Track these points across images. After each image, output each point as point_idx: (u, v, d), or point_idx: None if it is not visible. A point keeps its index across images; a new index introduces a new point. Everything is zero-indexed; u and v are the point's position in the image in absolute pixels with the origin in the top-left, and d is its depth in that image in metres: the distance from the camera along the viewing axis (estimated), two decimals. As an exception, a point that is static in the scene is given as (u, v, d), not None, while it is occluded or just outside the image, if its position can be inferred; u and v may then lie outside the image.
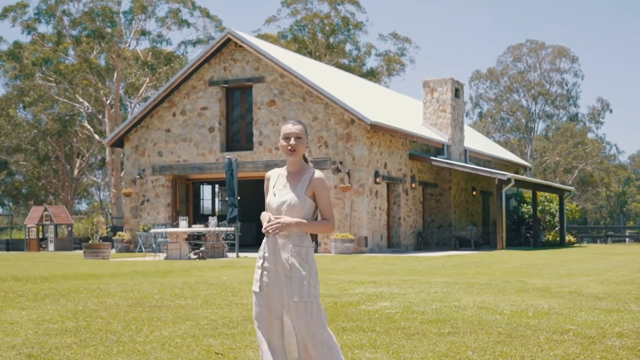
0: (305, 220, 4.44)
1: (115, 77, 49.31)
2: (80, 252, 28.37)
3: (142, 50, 51.35)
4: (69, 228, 31.31)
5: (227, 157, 21.58)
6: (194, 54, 52.59)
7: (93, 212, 68.90)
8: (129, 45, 50.36)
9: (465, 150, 31.09)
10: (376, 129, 23.77)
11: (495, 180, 34.80)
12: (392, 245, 26.17)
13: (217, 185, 31.63)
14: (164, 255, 20.61)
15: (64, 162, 57.98)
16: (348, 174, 23.79)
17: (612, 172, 74.56)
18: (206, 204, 32.26)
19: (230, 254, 21.45)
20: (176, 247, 19.83)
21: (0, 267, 17.47)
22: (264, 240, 4.59)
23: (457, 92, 30.43)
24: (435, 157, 27.92)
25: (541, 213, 34.19)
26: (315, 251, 24.05)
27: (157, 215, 26.59)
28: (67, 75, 49.37)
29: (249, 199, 31.90)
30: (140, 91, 51.14)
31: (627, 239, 51.99)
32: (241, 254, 21.48)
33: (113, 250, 26.11)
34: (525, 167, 40.77)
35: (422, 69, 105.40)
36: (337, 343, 4.55)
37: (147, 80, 50.76)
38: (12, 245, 34.30)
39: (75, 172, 59.32)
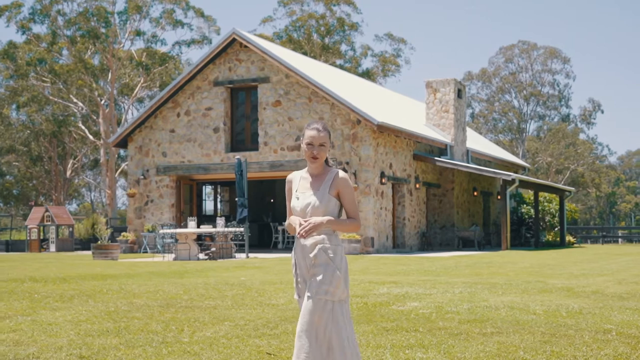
0: (334, 219, 4.44)
1: (109, 77, 49.17)
2: (83, 252, 28.29)
3: (136, 50, 51.26)
4: (70, 229, 31.17)
5: (237, 157, 21.54)
6: (188, 54, 52.84)
7: (86, 212, 68.79)
8: (123, 46, 50.25)
9: (467, 151, 31.15)
10: (382, 129, 23.79)
11: (497, 181, 35.21)
12: (397, 245, 26.19)
13: (219, 186, 31.58)
14: (173, 255, 20.56)
15: (58, 163, 57.80)
16: (354, 174, 23.80)
17: (603, 173, 74.94)
18: (208, 204, 32.21)
19: (239, 255, 21.42)
20: (185, 247, 19.79)
21: (11, 268, 17.39)
22: (294, 246, 4.59)
23: (459, 93, 30.49)
24: (438, 157, 27.97)
25: (541, 213, 34.30)
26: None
27: (162, 216, 26.51)
28: (62, 75, 49.22)
29: (254, 199, 31.90)
30: (135, 91, 51.03)
31: (619, 239, 52.19)
32: (250, 255, 21.44)
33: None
34: (523, 168, 40.89)
35: (415, 70, 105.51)
36: (359, 355, 4.49)
37: (142, 81, 50.66)
38: (12, 246, 34.12)
39: (68, 172, 59.17)
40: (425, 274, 14.61)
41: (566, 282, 12.61)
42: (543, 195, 34.55)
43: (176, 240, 22.65)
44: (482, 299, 10.01)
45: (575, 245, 37.15)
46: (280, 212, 33.24)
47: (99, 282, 12.68)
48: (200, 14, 53.12)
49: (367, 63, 67.56)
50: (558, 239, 34.68)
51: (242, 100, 26.34)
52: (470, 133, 38.55)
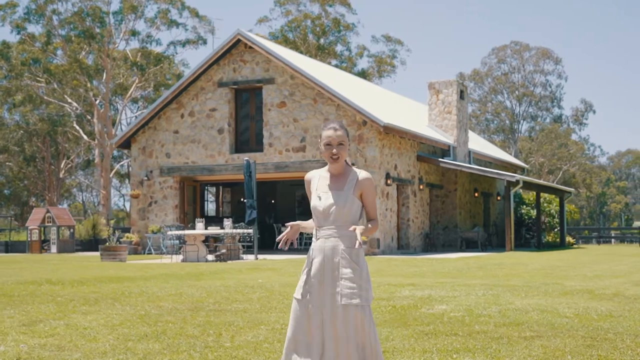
0: (363, 227, 4.40)
1: (104, 77, 49.03)
2: (85, 254, 28.20)
3: (130, 50, 51.15)
4: (71, 230, 31.05)
5: (245, 159, 21.51)
6: (184, 55, 52.67)
7: (78, 212, 68.59)
8: (118, 46, 50.11)
9: (469, 152, 31.21)
10: (388, 130, 23.81)
11: (496, 182, 35.30)
12: (401, 246, 26.22)
13: (221, 187, 31.53)
14: (181, 257, 20.52)
15: (52, 163, 57.62)
16: (360, 175, 23.79)
17: (594, 174, 75.27)
18: (210, 205, 32.14)
19: (246, 256, 21.39)
20: (194, 249, 19.75)
21: (21, 270, 17.31)
22: (312, 246, 4.54)
23: (461, 94, 30.55)
24: (441, 158, 28.01)
25: (536, 214, 34.36)
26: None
27: (165, 217, 26.46)
28: (57, 75, 49.04)
29: (258, 200, 31.83)
30: (130, 92, 50.91)
31: (612, 240, 52.35)
32: (259, 256, 21.41)
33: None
34: (522, 169, 41.00)
35: (408, 70, 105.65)
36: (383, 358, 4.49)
37: (136, 81, 50.53)
38: (12, 247, 33.97)
39: (62, 172, 58.98)
40: (440, 276, 14.62)
41: (583, 284, 12.63)
42: (543, 196, 34.65)
43: (182, 242, 22.60)
44: (507, 301, 10.02)
45: (574, 246, 37.28)
46: (281, 213, 33.23)
47: (117, 284, 12.64)
48: (195, 14, 53.03)
49: (362, 63, 67.90)
50: (558, 239, 34.77)
51: (247, 101, 26.31)
52: (469, 134, 38.62)
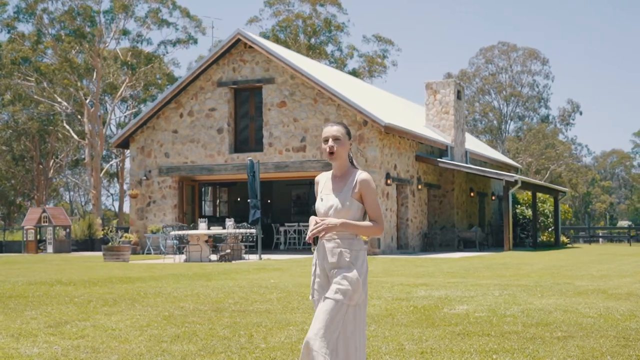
0: (351, 221, 4.34)
1: (95, 76, 48.81)
2: (82, 254, 28.07)
3: (121, 49, 50.98)
4: (67, 230, 30.89)
5: (249, 158, 21.46)
6: (174, 54, 52.46)
7: (65, 212, 68.09)
8: (108, 45, 49.93)
9: (466, 152, 31.29)
10: (389, 130, 23.83)
11: (491, 182, 35.42)
12: (400, 246, 26.25)
13: (217, 187, 31.45)
14: (184, 257, 20.46)
15: (41, 162, 57.32)
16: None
17: (581, 173, 75.68)
18: (206, 205, 32.05)
19: (249, 256, 21.35)
20: (197, 249, 19.70)
21: (26, 270, 17.22)
22: (317, 247, 4.52)
23: (459, 94, 30.61)
24: (438, 158, 28.07)
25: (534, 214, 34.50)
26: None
27: (164, 217, 26.37)
28: (48, 74, 48.78)
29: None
30: (120, 91, 50.71)
31: (600, 239, 52.62)
32: (263, 256, 21.37)
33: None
34: (515, 168, 41.13)
35: (395, 70, 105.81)
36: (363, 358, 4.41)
37: (127, 80, 50.35)
38: (6, 247, 33.77)
39: (51, 172, 58.66)
40: (450, 276, 14.64)
41: (594, 284, 12.69)
42: (537, 195, 34.77)
43: (181, 242, 22.53)
44: (526, 301, 10.04)
45: (568, 245, 37.45)
46: (277, 213, 33.20)
47: (130, 285, 12.58)
48: (186, 13, 52.92)
49: (353, 63, 68.06)
50: (552, 239, 34.90)
51: (247, 101, 26.26)
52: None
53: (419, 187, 27.42)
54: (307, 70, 24.71)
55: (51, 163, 58.26)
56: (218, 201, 32.23)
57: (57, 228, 30.45)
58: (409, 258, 21.58)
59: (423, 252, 26.64)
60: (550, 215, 35.33)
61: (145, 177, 26.65)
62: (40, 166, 57.38)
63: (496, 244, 34.28)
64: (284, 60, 24.79)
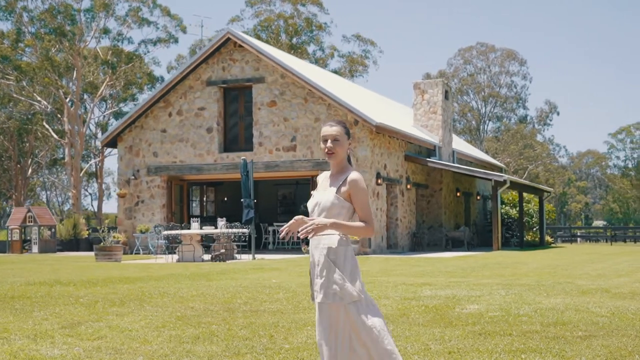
0: (341, 221, 4.30)
1: (74, 75, 48.39)
2: (68, 254, 27.80)
3: (101, 48, 50.61)
4: (52, 229, 30.57)
5: (242, 158, 21.37)
6: (155, 53, 52.02)
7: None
8: (89, 44, 49.54)
9: (453, 152, 31.38)
10: (380, 130, 23.83)
11: (478, 182, 35.56)
12: (390, 246, 26.26)
13: (205, 186, 31.28)
14: (176, 257, 20.32)
15: (19, 162, 56.74)
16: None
17: (559, 174, 76.28)
18: (194, 205, 31.86)
19: (241, 256, 21.25)
20: (190, 249, 19.57)
21: (21, 270, 17.00)
22: (311, 248, 4.50)
23: (446, 94, 30.69)
24: (426, 158, 28.12)
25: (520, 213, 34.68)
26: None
27: (153, 217, 26.18)
28: (29, 73, 48.29)
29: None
30: (100, 90, 50.32)
31: (578, 239, 53.10)
32: (251, 256, 21.28)
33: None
34: (500, 168, 41.33)
35: (373, 70, 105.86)
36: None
37: (107, 79, 49.98)
38: (-11, 247, 33.30)
39: (29, 171, 58.08)
40: (449, 275, 14.66)
41: (595, 283, 12.75)
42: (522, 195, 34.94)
43: (169, 242, 22.40)
44: (534, 301, 10.06)
45: (552, 245, 37.69)
46: (264, 212, 33.08)
47: (131, 285, 12.46)
48: (166, 12, 52.65)
49: (334, 63, 67.99)
50: (537, 238, 35.11)
51: (236, 100, 26.14)
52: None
53: (408, 186, 27.45)
54: (298, 69, 24.64)
55: (29, 162, 57.71)
56: (205, 201, 32.05)
57: (42, 228, 30.13)
58: (401, 257, 21.59)
59: (412, 251, 26.67)
60: (534, 215, 35.53)
61: (133, 177, 26.45)
62: (19, 165, 56.80)
63: (481, 244, 34.44)
64: (274, 59, 24.71)
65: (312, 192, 4.56)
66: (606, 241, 48.79)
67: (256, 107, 25.32)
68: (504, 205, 35.27)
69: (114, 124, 27.85)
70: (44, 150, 58.29)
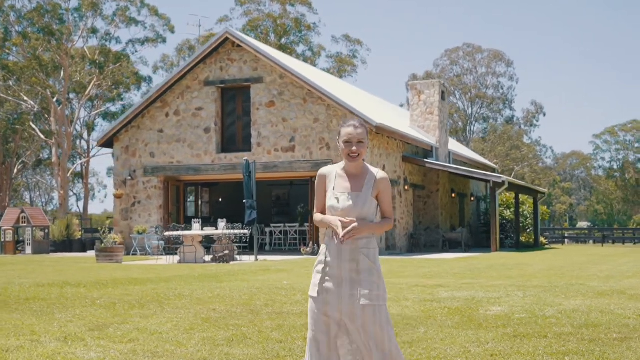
0: (373, 223, 4.37)
1: (62, 75, 48.06)
2: (62, 255, 27.55)
3: (88, 48, 50.33)
4: (45, 230, 30.26)
5: (244, 158, 21.25)
6: (142, 53, 51.70)
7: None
8: (76, 44, 49.26)
9: (449, 153, 31.39)
10: (380, 131, 23.78)
11: (472, 183, 35.60)
12: (388, 247, 26.21)
13: (200, 187, 31.11)
14: (177, 258, 20.18)
15: (4, 162, 56.26)
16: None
17: (547, 175, 76.62)
18: (189, 205, 31.68)
19: (242, 257, 21.13)
20: (191, 250, 19.44)
21: (22, 272, 16.80)
22: (325, 245, 4.48)
23: (443, 95, 30.69)
24: (423, 159, 28.10)
25: (515, 215, 34.74)
26: (316, 254, 23.89)
27: (149, 218, 26.00)
28: (16, 72, 47.91)
29: (237, 201, 31.56)
30: (88, 90, 50.01)
31: (566, 240, 53.35)
32: (252, 257, 21.15)
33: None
34: (492, 169, 41.41)
35: (364, 69, 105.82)
36: (403, 356, 4.45)
37: (94, 79, 49.69)
38: (-20, 248, 32.89)
39: (15, 172, 57.61)
40: (458, 277, 14.61)
41: (607, 285, 12.75)
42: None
43: (167, 243, 22.27)
44: (554, 302, 10.03)
45: (546, 246, 37.80)
46: (258, 213, 32.91)
47: (142, 287, 12.34)
48: (154, 12, 52.44)
49: (322, 64, 67.71)
50: (532, 240, 35.19)
51: (234, 101, 26.01)
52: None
53: (406, 188, 27.43)
54: (297, 69, 24.55)
55: (15, 163, 57.24)
56: (200, 201, 31.88)
57: (35, 229, 29.83)
58: (403, 259, 21.55)
59: (410, 252, 26.64)
60: (529, 216, 35.62)
61: (129, 177, 26.26)
62: (3, 166, 56.31)
63: (475, 245, 34.47)
64: (273, 59, 24.60)
65: (333, 192, 4.43)
66: (594, 242, 49.07)
67: (254, 107, 25.21)
68: (498, 207, 35.29)
69: (112, 124, 27.65)
70: (31, 150, 57.82)
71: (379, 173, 4.45)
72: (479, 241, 34.87)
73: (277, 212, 33.87)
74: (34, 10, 47.62)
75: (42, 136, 50.56)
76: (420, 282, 13.09)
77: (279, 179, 28.29)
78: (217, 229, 20.57)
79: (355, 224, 4.29)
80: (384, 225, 4.41)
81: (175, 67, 63.31)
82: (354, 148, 4.40)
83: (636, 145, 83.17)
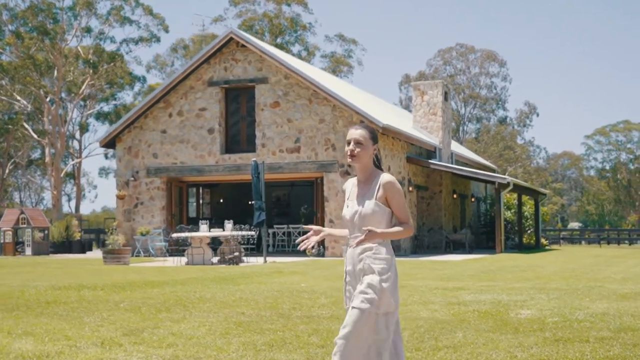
0: (386, 230, 4.34)
1: (55, 74, 47.79)
2: (60, 256, 27.35)
3: (82, 47, 50.07)
4: (45, 231, 30.06)
5: (253, 159, 21.11)
6: (137, 52, 51.45)
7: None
8: (70, 43, 48.98)
9: (452, 154, 31.35)
10: (386, 132, 23.70)
11: (473, 184, 35.56)
12: (393, 248, 26.08)
13: (201, 188, 30.94)
14: (185, 259, 20.05)
15: (0, 163, 55.95)
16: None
17: (537, 175, 76.78)
18: (190, 206, 31.52)
19: (250, 259, 21.01)
20: (199, 252, 19.31)
21: (30, 274, 16.65)
22: (346, 254, 4.48)
23: (446, 95, 30.64)
24: (427, 160, 28.05)
25: (516, 216, 34.74)
26: (322, 255, 23.79)
27: (152, 219, 25.83)
28: (9, 71, 47.61)
29: (238, 202, 31.50)
30: (81, 89, 49.75)
31: (560, 241, 53.47)
32: (258, 259, 21.04)
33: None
34: (492, 170, 41.39)
35: (360, 70, 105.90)
36: None
37: (88, 79, 49.45)
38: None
39: (6, 172, 57.26)
40: (476, 279, 14.54)
41: (626, 287, 12.71)
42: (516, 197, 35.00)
43: (169, 244, 22.14)
44: (581, 305, 9.97)
45: (547, 247, 37.80)
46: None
47: (160, 289, 12.22)
48: (148, 11, 52.21)
49: (318, 64, 67.51)
50: (533, 241, 35.19)
51: (239, 101, 25.88)
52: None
53: (410, 189, 27.36)
54: (302, 69, 24.44)
55: (7, 163, 56.91)
56: (201, 202, 31.72)
57: (34, 230, 29.62)
58: (410, 260, 21.47)
59: (414, 254, 26.57)
60: (529, 217, 35.61)
61: (132, 178, 26.09)
62: (-3, 166, 56.03)
63: (476, 246, 34.43)
64: (278, 59, 24.49)
65: (346, 201, 4.47)
66: (588, 243, 49.19)
67: (259, 107, 25.08)
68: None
69: (114, 125, 27.41)
70: (23, 150, 57.49)
71: (384, 177, 4.41)
72: (478, 242, 34.85)
73: (277, 213, 33.76)
74: (28, 9, 47.33)
75: (35, 136, 50.25)
76: (438, 285, 13.01)
77: (284, 180, 28.16)
78: (223, 230, 20.43)
79: (369, 229, 4.26)
80: (399, 231, 4.35)
81: (167, 66, 63.18)
82: (351, 147, 4.42)
83: (628, 145, 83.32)
